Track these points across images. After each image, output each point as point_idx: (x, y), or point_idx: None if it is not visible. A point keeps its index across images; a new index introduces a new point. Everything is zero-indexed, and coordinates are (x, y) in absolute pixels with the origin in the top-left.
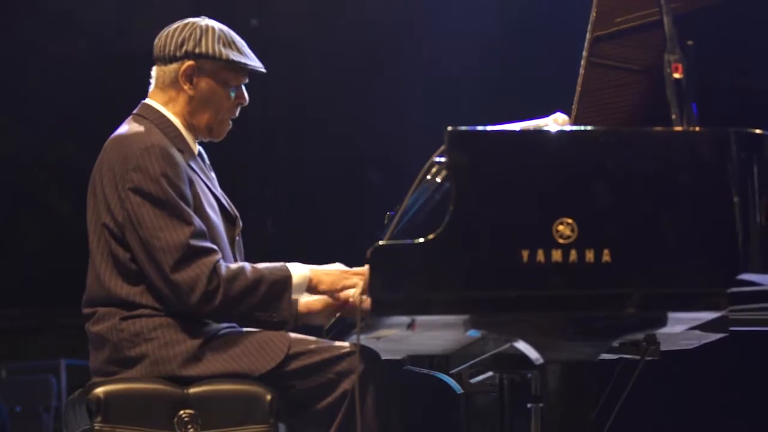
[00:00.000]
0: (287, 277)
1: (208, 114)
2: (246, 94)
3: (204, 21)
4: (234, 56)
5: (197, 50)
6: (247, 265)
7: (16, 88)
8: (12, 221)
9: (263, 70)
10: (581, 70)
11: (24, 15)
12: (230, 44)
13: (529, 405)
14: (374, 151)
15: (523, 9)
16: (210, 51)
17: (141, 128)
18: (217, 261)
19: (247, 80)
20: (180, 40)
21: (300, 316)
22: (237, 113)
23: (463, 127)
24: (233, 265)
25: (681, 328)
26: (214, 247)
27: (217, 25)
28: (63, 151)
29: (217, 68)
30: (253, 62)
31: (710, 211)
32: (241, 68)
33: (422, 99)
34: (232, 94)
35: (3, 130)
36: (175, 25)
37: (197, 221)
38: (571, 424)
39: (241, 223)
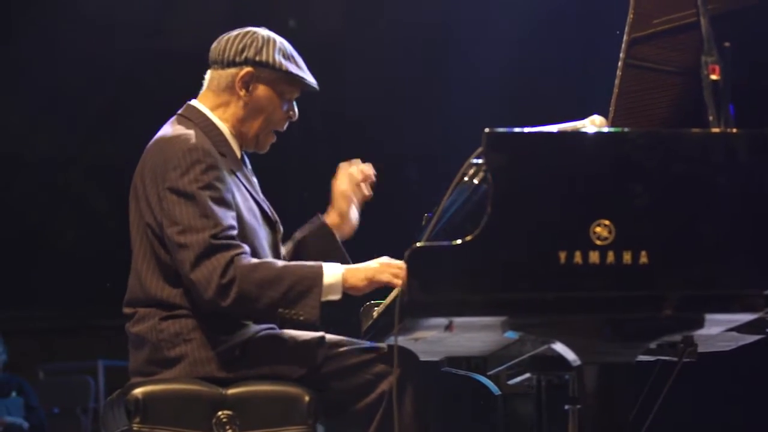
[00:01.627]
0: (318, 275)
1: (259, 122)
2: (296, 110)
3: (265, 31)
4: (293, 69)
5: (258, 58)
6: (275, 261)
7: (55, 87)
8: (50, 221)
9: (317, 88)
10: (618, 72)
11: (62, 15)
12: (290, 57)
13: (566, 406)
14: (412, 153)
15: (560, 11)
16: (270, 60)
17: (184, 130)
18: (237, 255)
19: (298, 95)
20: (241, 46)
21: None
22: (285, 127)
23: (501, 129)
24: (256, 260)
25: (718, 329)
26: (238, 243)
27: (278, 37)
28: (101, 149)
29: (275, 78)
30: (310, 78)
31: (747, 213)
32: (298, 82)
33: (460, 100)
34: (285, 107)
35: (41, 129)
36: (236, 32)
37: (227, 222)
38: (609, 425)
39: (281, 228)
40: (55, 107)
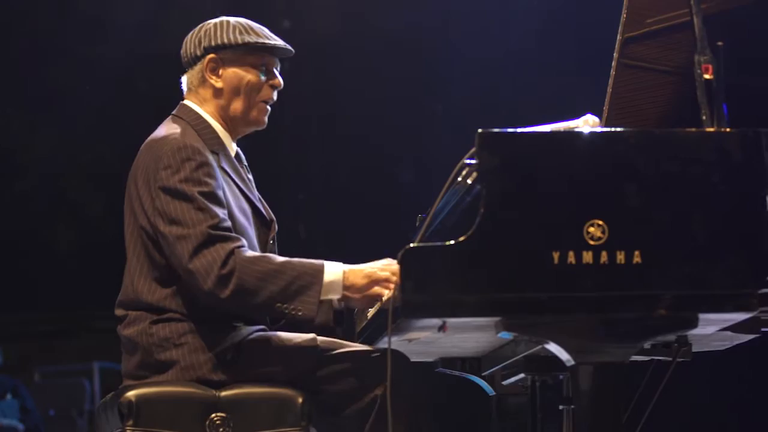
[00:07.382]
0: (318, 271)
1: (241, 101)
2: (279, 77)
3: (220, 18)
4: (252, 39)
5: (214, 43)
6: (275, 255)
7: (51, 89)
8: (46, 223)
9: (286, 46)
10: (612, 72)
11: (58, 17)
12: (247, 31)
13: (561, 407)
14: (406, 154)
15: (554, 10)
16: (226, 40)
17: (176, 129)
18: (236, 247)
19: (278, 64)
20: (197, 40)
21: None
22: (274, 96)
23: (494, 129)
24: (257, 253)
25: (712, 329)
26: (237, 236)
27: (233, 18)
28: (97, 152)
29: (238, 55)
30: (274, 41)
31: (741, 212)
32: (263, 48)
33: (453, 100)
34: (263, 78)
35: (39, 131)
36: (193, 30)
37: (223, 216)
38: (603, 425)
39: (276, 227)
40: (50, 109)
